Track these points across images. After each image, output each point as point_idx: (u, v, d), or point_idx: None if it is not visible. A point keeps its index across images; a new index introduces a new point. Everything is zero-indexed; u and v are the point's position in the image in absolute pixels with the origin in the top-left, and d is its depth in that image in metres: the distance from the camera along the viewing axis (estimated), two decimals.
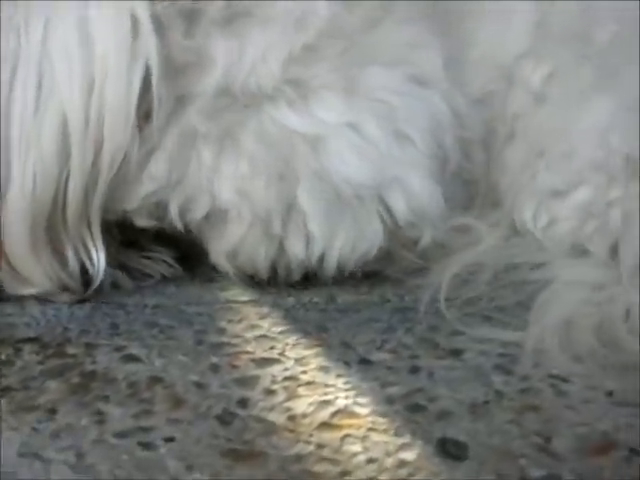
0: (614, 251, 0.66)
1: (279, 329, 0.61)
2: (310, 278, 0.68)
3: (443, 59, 0.70)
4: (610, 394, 0.53)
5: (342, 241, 0.66)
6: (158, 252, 0.70)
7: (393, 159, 0.66)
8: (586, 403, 0.52)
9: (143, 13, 0.62)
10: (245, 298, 0.67)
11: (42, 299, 0.64)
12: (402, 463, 0.45)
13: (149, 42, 0.62)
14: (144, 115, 0.64)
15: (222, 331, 0.61)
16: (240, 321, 0.62)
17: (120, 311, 0.64)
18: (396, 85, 0.68)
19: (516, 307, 0.62)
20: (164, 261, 0.70)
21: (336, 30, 0.66)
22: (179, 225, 0.66)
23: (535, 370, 0.55)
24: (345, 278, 0.69)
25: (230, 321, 0.62)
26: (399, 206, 0.67)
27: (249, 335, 0.60)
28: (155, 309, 0.64)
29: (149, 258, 0.70)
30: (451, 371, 0.55)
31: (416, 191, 0.67)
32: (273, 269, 0.68)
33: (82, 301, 0.65)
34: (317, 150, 0.65)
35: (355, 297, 0.67)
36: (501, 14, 0.76)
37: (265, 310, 0.64)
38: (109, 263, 0.65)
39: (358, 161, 0.65)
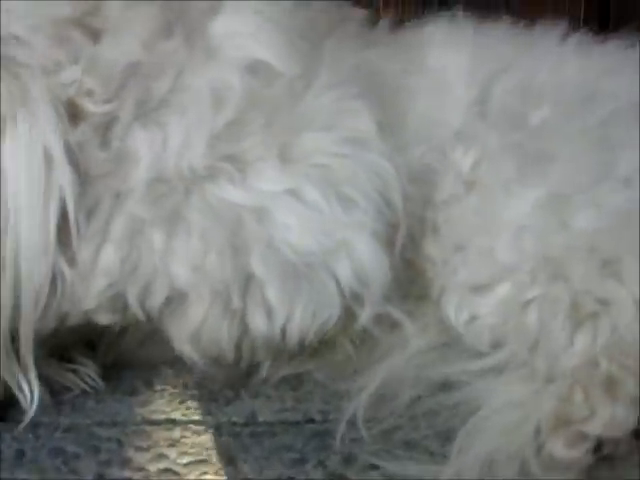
0: (533, 352, 0.63)
1: (185, 460, 0.57)
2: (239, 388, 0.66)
3: (377, 125, 0.67)
4: None
5: (302, 310, 0.64)
6: (83, 364, 0.67)
7: (338, 223, 0.65)
8: None
9: (55, 145, 0.61)
10: (162, 417, 0.63)
11: None
12: None
13: (63, 174, 0.60)
14: None
15: (127, 463, 0.57)
16: (148, 449, 0.59)
17: (30, 435, 0.60)
18: (333, 148, 0.66)
19: (437, 437, 0.58)
20: (87, 374, 0.68)
21: (257, 102, 0.65)
22: (140, 314, 0.64)
23: None
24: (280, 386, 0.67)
25: (138, 449, 0.59)
26: (345, 272, 0.64)
27: (153, 468, 0.57)
28: (66, 432, 0.61)
29: (73, 371, 0.67)
30: None
31: (362, 255, 0.65)
32: (238, 350, 0.66)
33: None
34: (262, 221, 0.64)
35: (277, 415, 0.63)
36: (437, 89, 0.73)
37: (176, 435, 0.60)
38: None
39: (302, 228, 0.64)
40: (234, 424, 0.62)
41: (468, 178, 0.67)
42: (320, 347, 0.67)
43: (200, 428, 0.62)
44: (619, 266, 0.59)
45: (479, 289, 0.64)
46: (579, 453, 0.54)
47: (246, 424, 0.62)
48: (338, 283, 0.65)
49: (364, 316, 0.65)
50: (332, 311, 0.64)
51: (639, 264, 0.58)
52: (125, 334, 0.73)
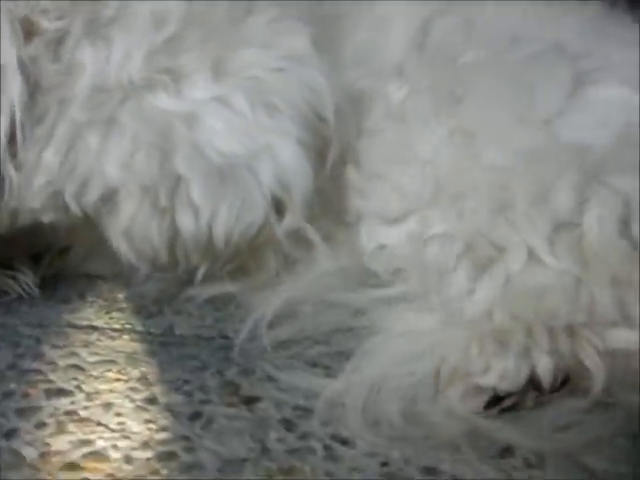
0: (432, 290, 0.63)
1: (93, 359, 0.61)
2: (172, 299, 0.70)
3: (314, 44, 0.70)
4: (385, 464, 0.50)
5: (226, 209, 0.67)
6: (24, 273, 0.71)
7: (262, 128, 0.68)
8: (352, 470, 0.50)
9: (11, 59, 0.65)
10: (84, 323, 0.67)
11: None
12: None
13: (14, 86, 0.65)
14: None
15: (40, 357, 0.61)
16: (62, 347, 0.62)
17: None
18: (268, 63, 0.69)
19: (335, 356, 0.59)
20: (26, 282, 0.71)
21: (197, 22, 0.69)
22: (77, 211, 0.68)
23: (321, 428, 0.53)
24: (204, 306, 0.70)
25: (54, 346, 0.62)
26: (268, 175, 0.67)
27: (62, 363, 0.60)
28: None
29: (13, 277, 0.71)
30: (233, 421, 0.54)
31: (285, 160, 0.68)
32: (172, 252, 0.69)
33: None
34: (191, 125, 0.68)
35: (194, 330, 0.66)
36: (380, 19, 0.75)
37: (92, 338, 0.64)
38: None
39: (227, 132, 0.67)
40: (150, 334, 0.66)
41: (396, 111, 0.68)
42: (247, 268, 0.70)
43: (116, 334, 0.65)
44: (514, 211, 0.59)
45: (389, 220, 0.65)
46: (475, 405, 0.55)
47: (161, 335, 0.66)
48: (261, 186, 0.68)
49: (285, 224, 0.68)
50: (256, 215, 0.68)
51: (536, 211, 0.58)
52: (70, 249, 0.79)
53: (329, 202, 0.70)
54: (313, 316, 0.62)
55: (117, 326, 0.67)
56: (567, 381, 0.56)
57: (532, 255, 0.58)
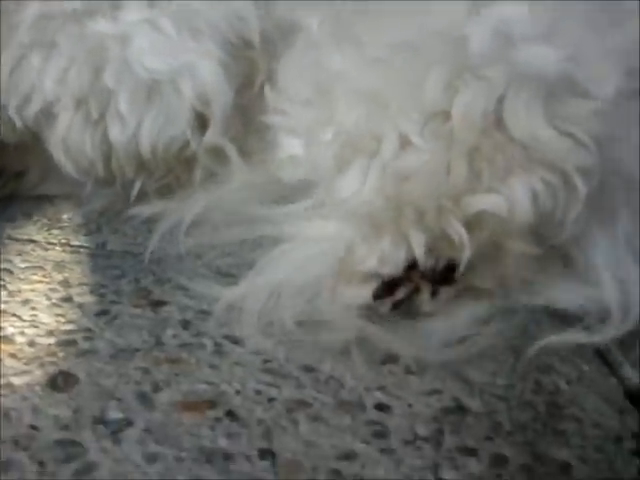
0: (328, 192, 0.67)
1: (24, 265, 0.66)
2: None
3: None
4: (268, 361, 0.53)
5: (151, 121, 0.74)
6: None
7: (185, 49, 0.75)
8: (235, 365, 0.53)
9: None
10: (24, 237, 0.72)
11: None
12: (8, 385, 0.49)
13: None
14: None
15: None
16: None
17: None
18: None
19: (243, 265, 0.62)
20: None
21: None
22: (19, 123, 0.74)
23: (217, 328, 0.56)
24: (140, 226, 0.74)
25: None
26: (189, 90, 0.73)
27: None
28: None
29: None
30: (136, 319, 0.58)
31: (205, 78, 0.74)
32: (107, 165, 0.75)
33: None
34: (123, 45, 0.75)
35: (124, 247, 0.70)
36: None
37: (28, 248, 0.69)
38: None
39: (154, 51, 0.74)
40: (82, 247, 0.71)
41: (315, 37, 0.73)
42: (178, 184, 0.76)
43: (50, 247, 0.70)
44: (390, 103, 0.63)
45: (297, 132, 0.70)
46: (364, 295, 0.58)
47: (93, 249, 0.71)
48: (183, 101, 0.74)
49: (206, 138, 0.73)
50: (178, 128, 0.74)
51: (410, 100, 0.61)
52: (24, 173, 0.84)
53: (252, 120, 0.75)
54: (224, 227, 0.67)
55: (54, 240, 0.72)
56: (453, 269, 0.59)
57: (405, 141, 0.61)
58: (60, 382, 0.51)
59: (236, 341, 0.56)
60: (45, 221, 0.76)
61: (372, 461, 0.47)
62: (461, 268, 0.58)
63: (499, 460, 0.48)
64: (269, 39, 0.75)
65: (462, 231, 0.57)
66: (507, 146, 0.59)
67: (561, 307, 0.64)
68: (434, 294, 0.60)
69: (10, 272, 0.65)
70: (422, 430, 0.50)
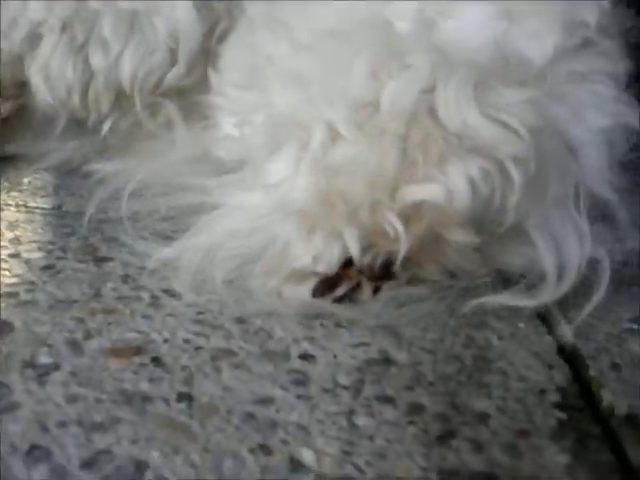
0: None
1: None
2: None
3: None
4: (201, 313, 0.55)
5: (132, 50, 0.77)
6: None
7: None
8: (168, 316, 0.54)
9: None
10: None
11: None
12: None
13: None
14: None
15: None
16: None
17: None
18: None
19: (184, 230, 0.63)
20: None
21: None
22: (6, 46, 0.77)
23: (155, 282, 0.58)
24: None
25: None
26: (162, 25, 0.76)
27: None
28: None
29: None
30: (79, 273, 0.60)
31: (179, 16, 0.77)
32: (84, 96, 0.78)
33: None
34: None
35: (78, 208, 0.71)
36: None
37: None
38: None
39: None
40: (38, 208, 0.72)
41: (252, 20, 0.74)
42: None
43: (5, 207, 0.71)
44: (315, 91, 0.61)
45: (235, 112, 0.70)
46: (303, 292, 0.57)
47: (49, 209, 0.72)
48: (159, 35, 0.77)
49: (171, 76, 0.76)
50: (156, 60, 0.77)
51: (336, 89, 0.60)
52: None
53: (197, 100, 0.76)
54: (163, 195, 0.67)
55: (11, 202, 0.74)
56: (391, 265, 0.58)
57: (334, 132, 0.59)
58: None
59: (173, 295, 0.58)
60: (6, 184, 0.78)
61: (288, 406, 0.48)
62: (398, 263, 0.57)
63: (416, 408, 0.49)
64: (230, 4, 0.78)
65: (398, 224, 0.55)
66: (440, 134, 0.57)
67: (504, 269, 0.64)
68: (376, 290, 0.59)
69: None
70: (343, 379, 0.51)
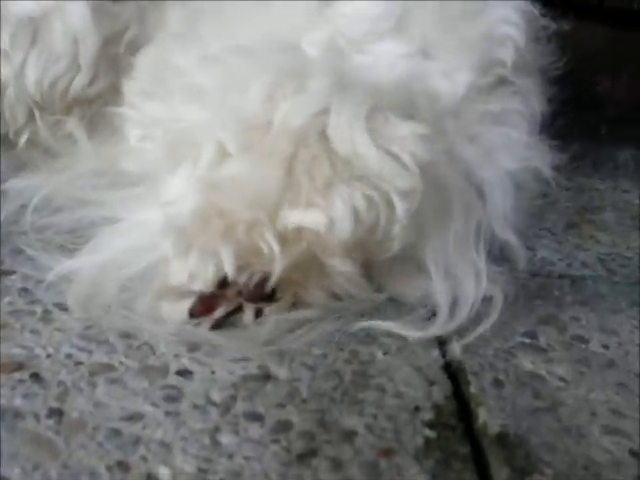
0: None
1: None
2: None
3: None
4: (90, 327, 0.55)
5: (34, 59, 0.79)
6: None
7: None
8: (56, 330, 0.55)
9: None
10: None
11: None
12: None
13: None
14: None
15: None
16: None
17: None
18: None
19: (85, 243, 0.64)
20: None
21: None
22: None
23: (49, 296, 0.58)
24: None
25: None
26: (59, 31, 0.78)
27: None
28: None
29: None
30: None
31: (75, 20, 0.79)
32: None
33: None
34: None
35: None
36: None
37: None
38: None
39: None
40: None
41: (169, 32, 0.76)
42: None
43: None
44: (209, 109, 0.62)
45: (143, 126, 0.70)
46: (180, 311, 0.57)
47: None
48: (56, 40, 0.79)
49: (76, 83, 0.78)
50: (59, 67, 0.79)
51: (229, 108, 0.61)
52: None
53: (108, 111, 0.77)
54: (68, 210, 0.68)
55: None
56: (275, 291, 0.58)
57: (223, 150, 0.60)
58: None
59: (64, 309, 0.59)
60: None
61: (155, 422, 0.50)
62: (272, 282, 0.56)
63: (283, 426, 0.51)
64: (142, 9, 0.80)
65: (274, 244, 0.55)
66: (328, 158, 0.57)
67: (402, 299, 0.64)
68: (258, 314, 0.58)
69: None
70: (215, 395, 0.52)
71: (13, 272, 0.64)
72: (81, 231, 0.67)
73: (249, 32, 0.68)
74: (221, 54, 0.65)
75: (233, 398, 0.52)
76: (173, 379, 0.53)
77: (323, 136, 0.59)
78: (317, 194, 0.57)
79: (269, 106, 0.59)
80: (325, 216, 0.56)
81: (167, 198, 0.62)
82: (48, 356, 0.54)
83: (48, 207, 0.69)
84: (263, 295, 0.57)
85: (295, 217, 0.57)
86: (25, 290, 0.61)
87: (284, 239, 0.57)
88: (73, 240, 0.66)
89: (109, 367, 0.53)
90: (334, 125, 0.59)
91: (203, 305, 0.57)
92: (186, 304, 0.57)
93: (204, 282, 0.56)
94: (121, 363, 0.54)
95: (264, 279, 0.56)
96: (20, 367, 0.52)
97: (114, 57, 0.80)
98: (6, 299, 0.60)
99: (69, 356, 0.54)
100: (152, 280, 0.60)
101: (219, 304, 0.57)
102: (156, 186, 0.64)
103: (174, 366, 0.54)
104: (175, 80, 0.66)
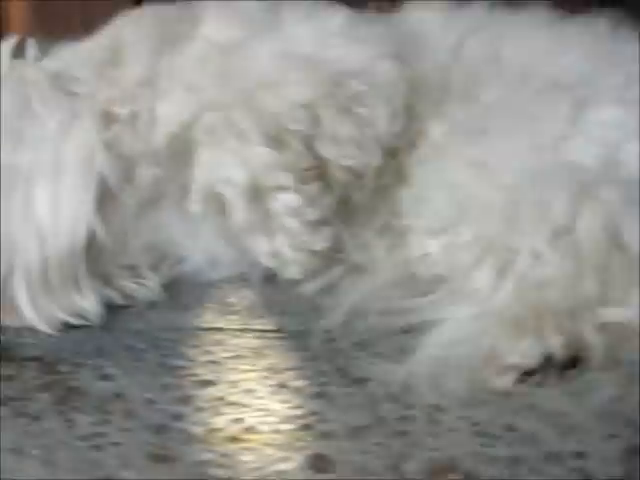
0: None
1: (226, 355, 0.75)
2: None
3: None
4: (477, 424, 0.64)
5: None
6: (149, 278, 0.87)
7: None
8: (450, 431, 0.63)
9: None
10: (209, 325, 0.81)
11: None
12: (280, 472, 0.58)
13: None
14: None
15: (181, 355, 0.75)
16: (198, 347, 0.76)
17: (107, 335, 0.80)
18: None
19: (401, 349, 0.72)
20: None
21: None
22: None
23: (418, 399, 0.66)
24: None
25: (191, 346, 0.77)
26: None
27: (202, 359, 0.74)
28: (136, 334, 0.79)
29: (139, 283, 0.86)
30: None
31: None
32: None
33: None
34: None
35: (298, 326, 0.79)
36: None
37: (219, 337, 0.78)
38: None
39: None
40: (260, 330, 0.79)
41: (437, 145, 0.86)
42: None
43: (238, 333, 0.78)
44: (522, 221, 0.75)
45: (432, 233, 0.79)
46: (507, 382, 0.68)
47: (268, 331, 0.78)
48: None
49: None
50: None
51: (539, 220, 0.73)
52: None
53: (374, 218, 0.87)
54: (380, 316, 0.77)
55: (235, 326, 0.81)
56: (577, 360, 0.71)
57: (537, 255, 0.74)
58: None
59: (440, 409, 0.64)
60: (215, 306, 0.85)
61: None
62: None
63: None
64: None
65: (597, 337, 0.69)
66: (629, 265, 0.72)
67: None
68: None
69: (217, 363, 0.73)
70: None
71: (367, 379, 0.68)
72: (391, 337, 0.74)
73: (526, 156, 0.76)
74: (511, 179, 0.75)
75: None
76: None
77: (621, 243, 0.73)
78: (624, 293, 0.71)
79: (571, 215, 0.73)
80: (632, 312, 0.71)
81: (475, 286, 0.74)
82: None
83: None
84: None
85: (609, 314, 0.71)
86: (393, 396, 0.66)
87: (597, 328, 0.71)
88: (388, 345, 0.73)
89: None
90: (629, 231, 0.73)
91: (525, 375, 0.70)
92: (512, 376, 0.68)
93: (535, 359, 0.69)
94: None
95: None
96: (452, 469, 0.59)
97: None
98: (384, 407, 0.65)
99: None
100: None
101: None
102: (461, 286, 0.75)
103: None
104: (471, 203, 0.76)
